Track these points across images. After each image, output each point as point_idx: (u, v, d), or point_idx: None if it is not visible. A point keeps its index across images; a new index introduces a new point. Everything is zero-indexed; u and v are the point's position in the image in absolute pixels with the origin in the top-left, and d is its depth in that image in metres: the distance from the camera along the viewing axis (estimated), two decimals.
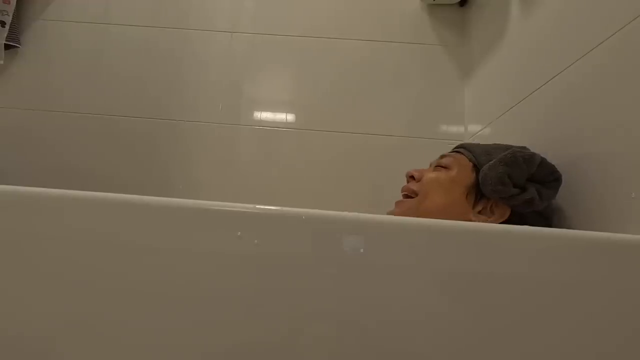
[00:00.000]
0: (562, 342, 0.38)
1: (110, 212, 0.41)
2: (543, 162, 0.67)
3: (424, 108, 1.25)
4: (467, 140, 1.18)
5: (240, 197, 1.26)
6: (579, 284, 0.39)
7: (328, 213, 0.41)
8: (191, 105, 1.31)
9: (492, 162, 0.67)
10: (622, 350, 0.38)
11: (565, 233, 0.41)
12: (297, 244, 0.40)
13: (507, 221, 0.67)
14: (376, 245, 0.39)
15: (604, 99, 0.62)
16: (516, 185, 0.65)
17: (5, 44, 1.28)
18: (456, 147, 0.79)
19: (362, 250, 0.39)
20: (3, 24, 1.27)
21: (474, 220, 0.68)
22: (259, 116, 1.31)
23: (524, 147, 0.73)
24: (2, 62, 1.28)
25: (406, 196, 0.76)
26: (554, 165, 0.68)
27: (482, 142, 0.78)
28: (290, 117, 1.31)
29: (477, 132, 1.12)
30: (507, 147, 0.72)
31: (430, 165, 0.79)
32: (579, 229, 0.41)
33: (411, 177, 0.76)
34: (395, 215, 0.75)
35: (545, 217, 0.68)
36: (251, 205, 0.40)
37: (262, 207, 0.40)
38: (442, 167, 0.74)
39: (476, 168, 0.71)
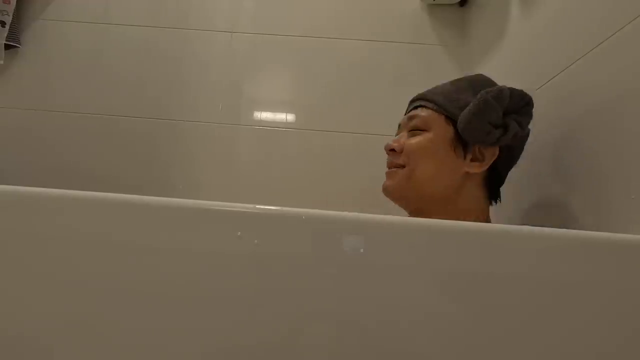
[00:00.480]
0: (562, 342, 0.38)
1: (110, 212, 0.41)
2: (512, 93, 0.67)
3: None
4: None
5: (240, 197, 1.26)
6: (579, 284, 0.39)
7: (328, 213, 0.40)
8: (191, 105, 1.31)
9: (465, 113, 0.67)
10: (622, 350, 0.38)
11: (565, 233, 0.41)
12: (297, 244, 0.40)
13: (498, 158, 0.69)
14: (376, 245, 0.39)
15: (603, 98, 0.62)
16: (497, 126, 0.66)
17: (5, 44, 1.28)
18: (415, 102, 0.78)
19: (362, 250, 0.39)
20: (3, 24, 1.27)
21: (468, 171, 0.69)
22: (259, 116, 1.31)
23: (480, 76, 0.74)
24: (2, 62, 1.28)
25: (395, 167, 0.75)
26: (521, 90, 0.68)
27: None
28: (290, 117, 1.31)
29: None
30: (463, 83, 0.73)
31: (400, 129, 0.78)
32: (580, 229, 0.41)
33: (392, 150, 0.74)
34: (388, 187, 0.74)
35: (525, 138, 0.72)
36: (251, 205, 0.40)
37: (262, 207, 0.40)
38: (416, 129, 0.73)
39: (449, 118, 0.70)
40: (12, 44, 1.30)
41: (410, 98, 0.81)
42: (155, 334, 0.39)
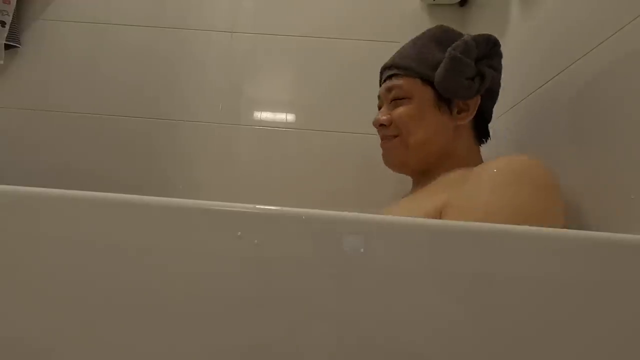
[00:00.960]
0: (562, 342, 0.38)
1: (110, 212, 0.41)
2: (477, 41, 0.69)
3: None
4: None
5: (240, 197, 1.26)
6: (579, 284, 0.39)
7: (328, 213, 0.40)
8: (191, 106, 1.31)
9: (440, 75, 0.69)
10: (622, 350, 0.38)
11: (565, 233, 0.41)
12: (297, 244, 0.40)
13: (481, 102, 0.73)
14: (376, 245, 0.39)
15: (603, 99, 0.62)
16: (473, 78, 0.69)
17: (5, 44, 1.28)
18: (386, 70, 0.79)
19: (362, 250, 0.39)
20: (3, 24, 1.27)
21: (459, 124, 0.73)
22: (259, 116, 1.31)
23: (439, 29, 0.76)
24: (2, 62, 1.28)
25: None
26: (484, 35, 0.70)
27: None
28: (290, 117, 1.31)
29: None
30: (425, 40, 0.75)
31: (381, 101, 0.80)
32: (580, 229, 0.41)
33: (381, 125, 0.77)
34: (388, 158, 0.77)
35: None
36: (251, 205, 0.40)
37: (262, 207, 0.40)
38: (398, 99, 0.74)
39: (425, 80, 0.72)
40: (12, 44, 1.30)
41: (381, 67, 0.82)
42: (155, 334, 0.39)
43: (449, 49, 0.68)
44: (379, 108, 0.80)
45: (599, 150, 0.62)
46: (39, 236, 0.40)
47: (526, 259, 0.39)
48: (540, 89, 0.81)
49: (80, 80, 1.33)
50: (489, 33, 0.72)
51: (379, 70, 0.83)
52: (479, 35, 0.70)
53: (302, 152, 1.28)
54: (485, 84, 0.70)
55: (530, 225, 0.52)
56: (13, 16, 1.29)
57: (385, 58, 0.81)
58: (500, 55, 0.72)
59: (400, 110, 0.73)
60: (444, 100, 0.72)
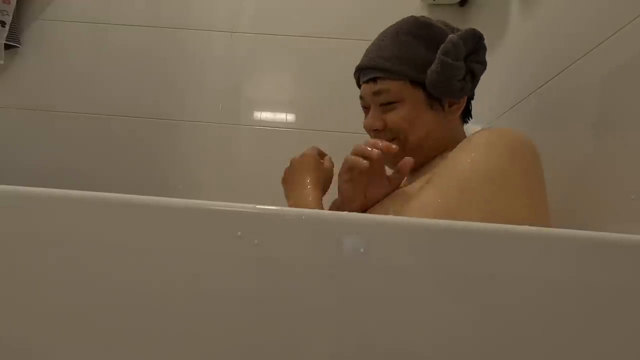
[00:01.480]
0: (562, 342, 0.38)
1: (110, 212, 0.41)
2: (464, 40, 0.68)
3: None
4: None
5: (240, 197, 1.26)
6: (579, 284, 0.39)
7: (328, 213, 0.40)
8: (191, 106, 1.31)
9: (433, 81, 0.69)
10: (622, 350, 0.38)
11: (565, 233, 0.40)
12: (297, 244, 0.40)
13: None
14: (376, 245, 0.39)
15: (603, 99, 0.62)
16: (464, 77, 0.69)
17: (5, 44, 1.28)
18: (367, 72, 0.76)
19: (362, 250, 0.39)
20: (3, 24, 1.27)
21: (453, 118, 0.74)
22: (258, 116, 1.31)
23: (417, 23, 0.76)
24: (2, 62, 1.28)
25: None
26: (468, 30, 0.70)
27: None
28: (290, 117, 1.31)
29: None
30: (406, 37, 0.74)
31: (365, 102, 0.77)
32: (579, 229, 0.41)
33: (375, 130, 0.76)
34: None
35: None
36: (251, 205, 0.40)
37: (262, 207, 0.40)
38: (388, 103, 0.73)
39: (413, 81, 0.71)
40: (12, 44, 1.30)
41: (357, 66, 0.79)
42: (155, 334, 0.39)
43: (439, 54, 0.67)
44: (364, 108, 0.78)
45: (599, 150, 0.62)
46: (39, 236, 0.40)
47: (526, 259, 0.39)
48: (540, 89, 0.81)
49: (80, 80, 1.33)
50: (481, 31, 0.71)
51: (354, 69, 0.80)
52: (464, 32, 0.69)
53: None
54: (476, 82, 0.71)
55: (506, 186, 0.53)
56: (13, 16, 1.29)
57: None
58: (485, 48, 0.72)
59: (394, 115, 0.73)
60: (436, 98, 0.72)
